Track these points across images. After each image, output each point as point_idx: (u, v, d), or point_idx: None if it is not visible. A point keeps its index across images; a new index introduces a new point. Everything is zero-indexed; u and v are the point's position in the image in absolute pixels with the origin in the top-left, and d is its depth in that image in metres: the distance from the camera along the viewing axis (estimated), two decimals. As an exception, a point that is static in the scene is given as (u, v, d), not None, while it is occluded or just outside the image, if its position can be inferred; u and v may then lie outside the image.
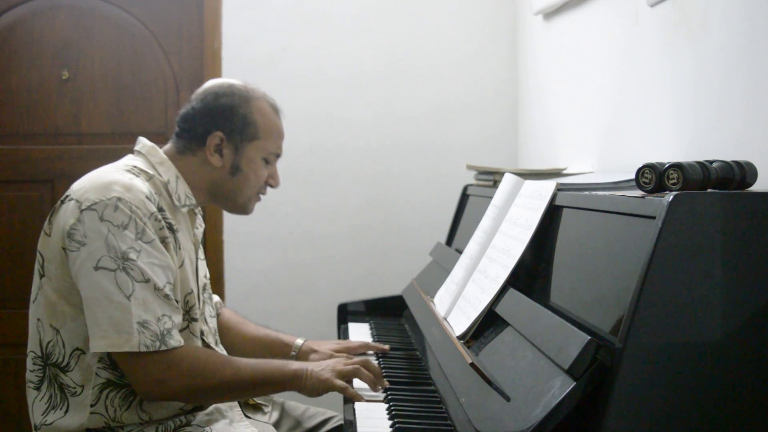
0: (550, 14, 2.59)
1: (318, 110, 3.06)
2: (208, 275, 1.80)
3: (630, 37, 1.92)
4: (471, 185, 2.36)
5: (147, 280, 1.43)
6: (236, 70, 3.01)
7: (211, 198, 1.67)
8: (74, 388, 1.49)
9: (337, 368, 1.57)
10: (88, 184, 1.49)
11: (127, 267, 1.41)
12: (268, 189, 1.75)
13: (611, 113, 2.07)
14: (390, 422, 1.39)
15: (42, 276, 1.51)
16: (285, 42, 3.05)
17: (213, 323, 1.73)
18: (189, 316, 1.56)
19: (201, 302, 1.63)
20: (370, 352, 1.88)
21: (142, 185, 1.50)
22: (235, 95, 1.63)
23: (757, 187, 1.18)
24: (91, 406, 1.48)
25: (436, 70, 3.09)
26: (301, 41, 3.05)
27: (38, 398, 1.52)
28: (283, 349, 1.86)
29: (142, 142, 1.64)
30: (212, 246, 3.04)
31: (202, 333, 1.62)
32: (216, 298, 1.94)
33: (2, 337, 3.04)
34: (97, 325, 1.41)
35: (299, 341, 1.87)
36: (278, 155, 1.71)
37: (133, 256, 1.42)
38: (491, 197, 1.71)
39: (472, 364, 1.30)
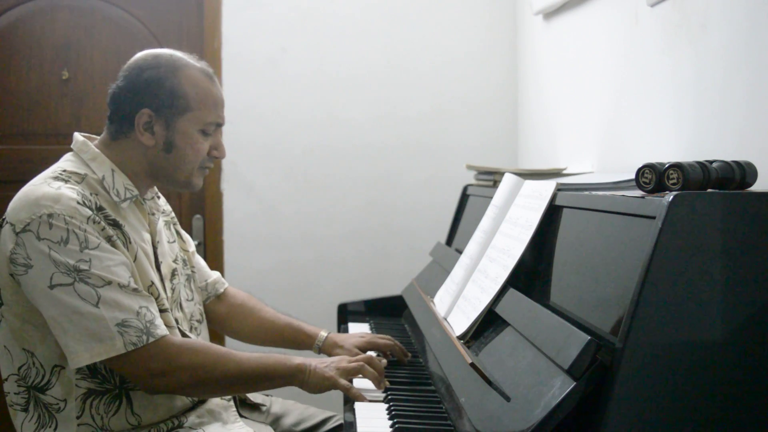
0: (550, 14, 2.59)
1: (318, 110, 3.06)
2: (192, 249, 1.74)
3: (630, 37, 1.92)
4: (471, 185, 2.36)
5: (109, 282, 1.38)
6: (236, 70, 3.01)
7: (154, 179, 1.58)
8: (57, 404, 1.45)
9: (342, 366, 1.55)
10: (18, 204, 1.42)
11: (83, 277, 1.37)
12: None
13: (611, 113, 2.07)
14: (390, 422, 1.39)
15: (1, 304, 1.46)
16: (285, 42, 3.05)
17: (190, 308, 1.68)
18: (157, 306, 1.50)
19: (168, 290, 1.58)
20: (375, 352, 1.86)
21: (70, 192, 1.42)
22: (160, 67, 1.52)
23: (757, 187, 1.18)
24: (77, 418, 1.45)
25: (436, 70, 3.09)
26: (301, 42, 3.05)
27: (27, 419, 1.48)
28: (305, 341, 1.82)
29: (75, 138, 1.56)
30: (212, 246, 3.05)
31: (176, 321, 1.57)
32: (215, 275, 1.87)
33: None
34: (75, 341, 1.37)
35: (323, 333, 1.82)
36: (219, 124, 1.59)
37: (84, 266, 1.37)
38: (491, 197, 1.70)
39: (472, 364, 1.30)
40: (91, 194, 1.46)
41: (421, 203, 3.08)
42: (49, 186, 1.43)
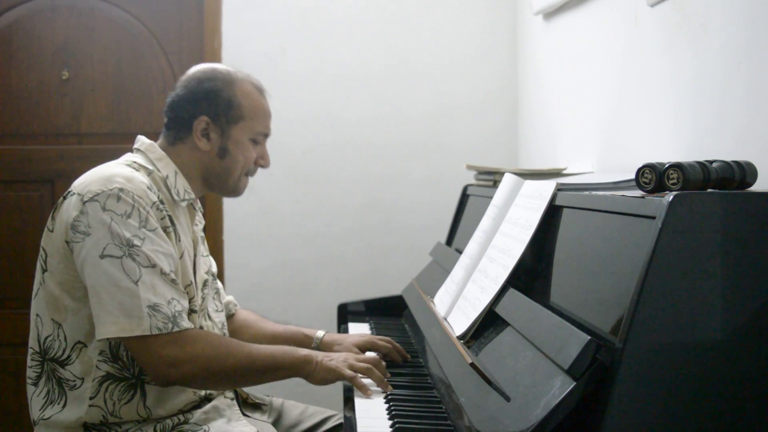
0: (550, 14, 2.59)
1: (318, 110, 3.06)
2: (213, 270, 1.80)
3: (630, 38, 1.92)
4: (471, 185, 2.36)
5: (153, 265, 1.44)
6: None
7: (206, 185, 1.69)
8: (74, 381, 1.50)
9: (349, 362, 1.57)
10: (89, 178, 1.51)
11: (132, 253, 1.43)
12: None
13: (611, 113, 2.07)
14: (390, 422, 1.39)
15: (44, 271, 1.52)
16: (285, 42, 3.05)
17: (219, 318, 1.73)
18: (189, 307, 1.56)
19: (200, 297, 1.63)
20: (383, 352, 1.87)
21: (142, 177, 1.52)
22: (217, 78, 1.65)
23: (757, 187, 1.18)
24: (90, 399, 1.49)
25: (436, 69, 3.09)
26: (301, 41, 3.05)
27: (36, 393, 1.53)
28: (304, 342, 1.85)
29: (141, 140, 1.66)
30: (212, 246, 3.03)
31: (201, 329, 1.61)
32: (229, 297, 1.95)
33: (2, 336, 3.04)
34: (106, 312, 1.42)
35: (320, 333, 1.87)
36: (266, 135, 1.72)
37: (137, 242, 1.44)
38: (491, 197, 1.71)
39: (472, 364, 1.30)
40: (156, 188, 1.55)
41: (422, 202, 3.08)
42: (122, 168, 1.54)
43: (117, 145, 2.98)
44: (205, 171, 1.66)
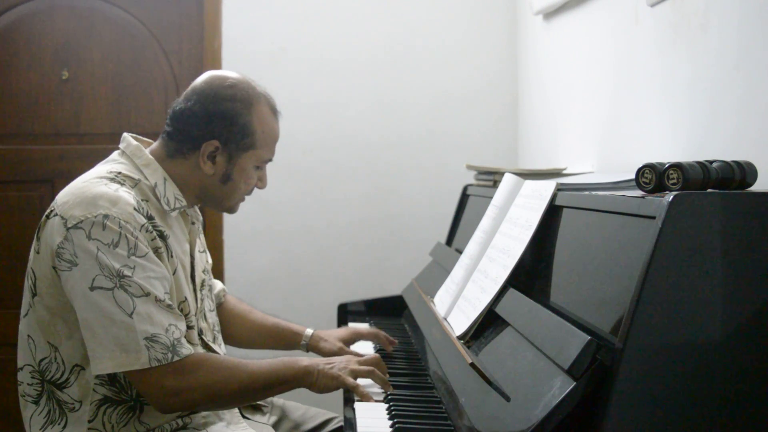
0: (550, 14, 2.59)
1: (318, 109, 3.06)
2: (209, 262, 1.77)
3: (630, 38, 1.92)
4: (471, 185, 2.36)
5: (147, 294, 1.38)
6: (236, 70, 2.99)
7: (199, 200, 1.63)
8: (72, 404, 1.47)
9: (350, 367, 1.55)
10: (72, 199, 1.42)
11: (124, 284, 1.37)
12: (267, 185, 1.71)
13: (611, 113, 2.07)
14: (390, 422, 1.39)
15: (34, 294, 1.47)
16: (285, 42, 3.05)
17: (212, 318, 1.70)
18: (185, 325, 1.53)
19: (198, 301, 1.61)
20: (378, 345, 1.87)
21: (128, 197, 1.43)
22: (237, 100, 1.54)
23: (757, 187, 1.18)
24: (89, 422, 1.46)
25: (436, 70, 3.09)
26: (300, 41, 3.05)
27: (36, 412, 1.50)
28: (293, 339, 1.85)
29: (127, 141, 1.57)
30: (212, 244, 3.04)
31: (200, 332, 1.60)
32: (219, 285, 1.90)
33: (2, 337, 3.04)
34: (101, 346, 1.37)
35: (309, 331, 1.86)
36: (270, 160, 1.66)
37: (128, 272, 1.37)
38: (491, 197, 1.71)
39: (472, 364, 1.30)
40: (142, 200, 1.47)
41: (422, 198, 3.08)
42: (107, 186, 1.44)
43: (117, 145, 2.97)
44: (202, 190, 1.59)
